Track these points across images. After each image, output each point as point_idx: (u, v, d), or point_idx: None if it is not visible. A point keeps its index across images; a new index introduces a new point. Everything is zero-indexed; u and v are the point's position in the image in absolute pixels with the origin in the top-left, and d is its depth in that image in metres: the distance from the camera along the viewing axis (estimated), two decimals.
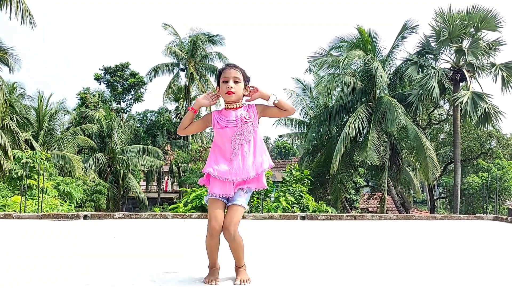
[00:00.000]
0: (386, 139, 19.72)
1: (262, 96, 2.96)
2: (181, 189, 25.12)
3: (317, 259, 4.00)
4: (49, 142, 23.64)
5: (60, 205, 12.69)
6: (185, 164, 31.81)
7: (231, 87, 2.88)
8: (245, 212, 8.65)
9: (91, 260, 3.80)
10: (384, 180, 19.06)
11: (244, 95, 2.99)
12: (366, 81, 19.70)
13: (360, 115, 18.51)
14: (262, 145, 2.98)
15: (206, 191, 10.06)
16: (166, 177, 40.12)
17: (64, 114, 28.99)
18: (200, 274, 3.15)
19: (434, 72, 18.26)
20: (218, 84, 3.01)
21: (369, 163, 18.53)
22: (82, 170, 23.78)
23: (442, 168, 23.94)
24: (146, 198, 32.68)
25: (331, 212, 12.19)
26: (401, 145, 21.38)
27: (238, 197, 2.86)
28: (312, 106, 24.59)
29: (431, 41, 19.84)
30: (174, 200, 32.26)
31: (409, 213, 21.73)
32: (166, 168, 36.40)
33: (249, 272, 3.05)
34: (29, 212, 9.33)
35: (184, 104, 35.88)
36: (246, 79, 2.99)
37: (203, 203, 9.45)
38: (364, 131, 19.51)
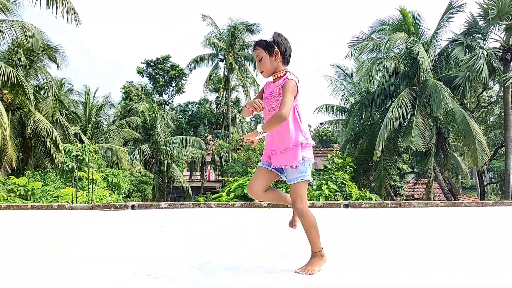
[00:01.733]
0: (432, 124, 19.09)
1: (255, 135, 2.93)
2: (223, 178, 25.42)
3: (365, 247, 3.96)
4: (96, 135, 24.55)
5: (109, 195, 13.18)
6: (226, 154, 32.16)
7: (259, 68, 2.98)
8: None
9: (141, 248, 3.94)
10: (430, 166, 18.51)
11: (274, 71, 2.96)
12: (409, 64, 19.10)
13: (403, 100, 18.00)
14: (295, 121, 2.93)
15: (248, 180, 10.17)
16: (209, 167, 40.76)
17: (110, 108, 30.00)
18: (248, 261, 3.19)
19: (482, 52, 17.42)
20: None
21: (414, 149, 18.03)
22: (128, 161, 24.57)
23: (492, 152, 22.90)
24: (189, 187, 33.38)
25: (375, 200, 11.99)
26: (448, 130, 20.61)
27: (289, 176, 2.94)
28: (353, 92, 24.15)
29: (478, 20, 18.91)
30: (217, 190, 32.79)
31: (457, 199, 21.03)
32: (208, 158, 36.96)
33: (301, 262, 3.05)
34: (80, 203, 9.74)
35: (224, 94, 36.19)
36: (269, 47, 2.94)
37: (246, 192, 9.55)
38: (408, 116, 18.97)
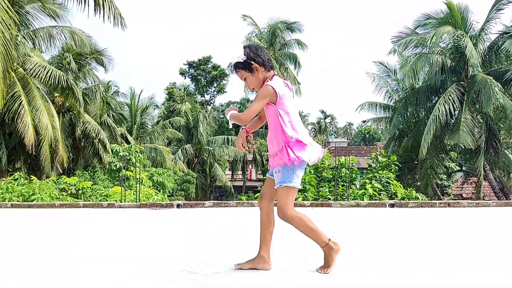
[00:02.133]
0: (481, 120, 18.32)
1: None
2: (264, 177, 25.54)
3: (413, 249, 3.86)
4: (141, 136, 25.28)
5: (155, 194, 13.54)
6: (267, 153, 32.23)
7: (248, 87, 3.02)
8: (330, 200, 8.56)
9: (188, 245, 4.03)
10: (479, 164, 17.79)
11: (251, 88, 2.97)
12: (456, 59, 18.42)
13: (450, 96, 17.39)
14: (277, 126, 2.86)
15: None
16: (250, 166, 41.00)
17: (154, 109, 30.77)
18: (284, 261, 3.19)
19: None
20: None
21: (462, 147, 17.39)
22: (172, 161, 25.13)
23: None
24: (231, 186, 33.71)
25: (422, 199, 11.66)
26: (499, 126, 19.73)
27: (275, 180, 2.89)
28: (397, 89, 23.58)
29: None
30: (259, 188, 32.89)
31: (510, 199, 20.09)
32: (250, 157, 37.18)
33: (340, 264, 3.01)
34: (128, 201, 10.06)
35: None
36: (247, 66, 2.90)
37: None
38: (456, 112, 18.31)
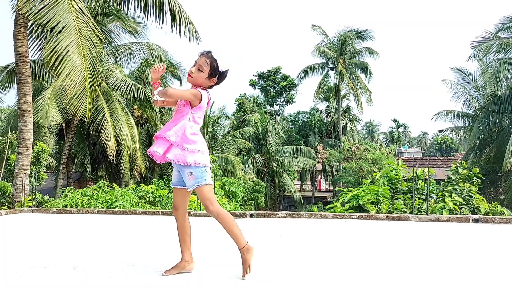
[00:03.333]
0: None
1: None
2: (334, 188, 25.12)
3: (505, 270, 3.61)
4: (213, 146, 25.98)
5: (228, 203, 13.82)
6: (337, 163, 31.74)
7: (191, 71, 3.02)
8: (407, 213, 8.24)
9: (264, 257, 4.07)
10: None
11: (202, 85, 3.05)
12: None
13: None
14: (186, 123, 3.02)
15: (363, 190, 9.88)
16: (319, 176, 40.58)
17: (225, 119, 31.53)
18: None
19: None
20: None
21: None
22: (242, 170, 25.54)
23: None
24: (300, 197, 33.54)
25: (508, 215, 10.85)
26: None
27: (187, 183, 3.08)
28: (477, 97, 22.29)
29: None
30: (328, 199, 32.46)
31: None
32: (319, 167, 36.84)
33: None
34: (202, 210, 10.37)
35: (335, 103, 35.87)
36: (213, 72, 3.02)
37: (361, 203, 9.30)
38: None
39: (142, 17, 12.39)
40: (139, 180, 20.37)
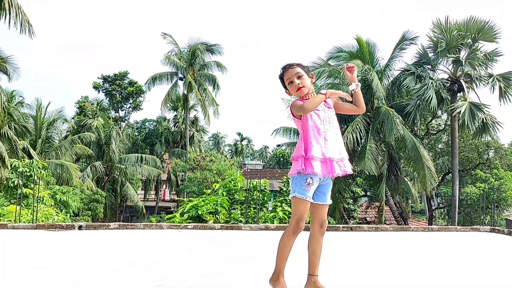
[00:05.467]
0: (384, 149, 19.72)
1: (351, 79, 3.09)
2: (178, 198, 25.01)
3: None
4: (47, 151, 23.63)
5: (56, 214, 12.62)
6: (183, 173, 31.75)
7: (299, 83, 3.01)
8: (241, 223, 8.60)
9: (82, 271, 3.77)
10: (382, 190, 19.03)
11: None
12: (363, 91, 19.72)
13: (358, 125, 18.52)
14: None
15: (203, 201, 10.03)
16: (164, 186, 40.07)
17: (63, 123, 29.01)
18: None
19: (431, 83, 18.32)
20: (285, 88, 3.12)
21: (367, 173, 18.50)
22: (79, 178, 23.74)
23: (440, 178, 23.92)
24: (143, 207, 32.62)
25: (329, 222, 12.12)
26: (399, 155, 21.36)
27: (329, 195, 3.11)
28: None
29: (428, 52, 19.95)
30: (172, 209, 32.17)
31: (407, 223, 21.65)
32: (164, 177, 36.36)
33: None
34: (24, 222, 9.28)
35: (183, 113, 35.99)
36: (307, 70, 3.10)
37: (200, 213, 9.39)
38: (362, 141, 19.50)
39: None
40: None
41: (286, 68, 3.05)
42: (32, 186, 12.76)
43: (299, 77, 3.01)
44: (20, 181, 10.23)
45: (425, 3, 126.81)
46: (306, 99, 2.99)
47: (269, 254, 4.88)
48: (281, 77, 3.08)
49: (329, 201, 3.10)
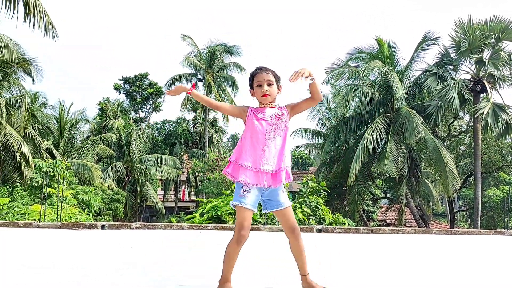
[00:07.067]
0: (405, 151, 19.48)
1: (305, 76, 2.98)
2: (197, 199, 25.17)
3: (328, 275, 3.96)
4: (69, 151, 24.05)
5: (79, 214, 12.86)
6: (202, 174, 31.90)
7: (266, 90, 3.01)
8: (261, 224, 8.61)
9: (106, 270, 3.83)
10: (402, 192, 18.80)
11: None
12: (384, 92, 19.56)
13: (378, 126, 18.36)
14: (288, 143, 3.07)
15: (222, 201, 10.09)
16: (183, 187, 40.33)
17: (84, 124, 29.48)
18: None
19: (453, 83, 18.03)
20: (251, 87, 3.10)
21: (387, 175, 18.30)
22: (101, 178, 24.09)
23: (462, 180, 23.48)
24: (163, 207, 32.89)
25: (348, 224, 12.05)
26: (420, 157, 21.07)
27: (285, 199, 3.02)
28: (329, 117, 24.50)
29: (450, 52, 19.64)
30: (191, 210, 32.40)
31: (428, 226, 21.35)
32: (183, 177, 36.60)
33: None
34: (48, 221, 9.48)
35: (202, 114, 36.19)
36: (278, 80, 3.09)
37: (219, 214, 9.45)
38: (382, 142, 19.32)
39: None
40: None
41: (261, 70, 3.05)
42: (56, 185, 13.03)
43: (269, 85, 3.01)
44: (44, 181, 10.45)
45: (438, 4, 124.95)
46: (262, 107, 3.03)
47: (284, 255, 4.89)
48: (253, 76, 3.08)
49: (287, 203, 3.02)
